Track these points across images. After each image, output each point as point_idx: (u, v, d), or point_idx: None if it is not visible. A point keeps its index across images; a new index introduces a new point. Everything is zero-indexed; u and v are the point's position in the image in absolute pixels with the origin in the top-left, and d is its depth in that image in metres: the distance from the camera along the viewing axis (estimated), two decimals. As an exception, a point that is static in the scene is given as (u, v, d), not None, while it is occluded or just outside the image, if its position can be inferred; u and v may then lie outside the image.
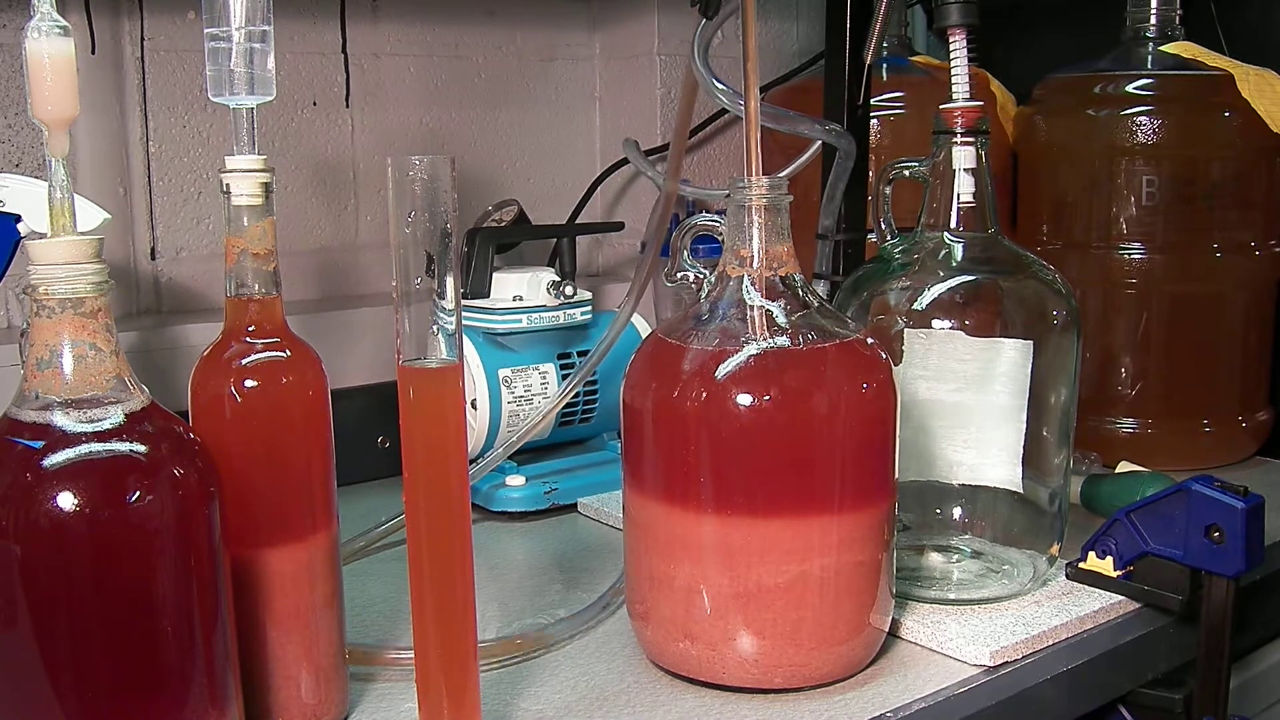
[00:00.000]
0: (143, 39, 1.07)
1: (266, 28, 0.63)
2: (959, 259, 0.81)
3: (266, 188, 0.63)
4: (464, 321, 0.61)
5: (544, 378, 1.05)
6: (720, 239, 0.75)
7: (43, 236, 0.54)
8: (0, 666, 0.52)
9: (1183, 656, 0.81)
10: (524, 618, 0.82)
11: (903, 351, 0.80)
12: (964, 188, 0.81)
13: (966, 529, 0.85)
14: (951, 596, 0.81)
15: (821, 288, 0.97)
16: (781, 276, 0.71)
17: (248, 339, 0.63)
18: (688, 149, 1.31)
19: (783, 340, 0.69)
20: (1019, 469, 0.80)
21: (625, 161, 1.29)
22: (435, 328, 0.59)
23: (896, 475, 0.73)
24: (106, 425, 0.53)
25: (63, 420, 0.52)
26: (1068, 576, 0.84)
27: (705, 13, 0.81)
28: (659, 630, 0.72)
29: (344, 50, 1.19)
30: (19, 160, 1.02)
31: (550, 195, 1.34)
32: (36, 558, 0.51)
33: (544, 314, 1.04)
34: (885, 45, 1.16)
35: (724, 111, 1.34)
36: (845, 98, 0.97)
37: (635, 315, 1.11)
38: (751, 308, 0.70)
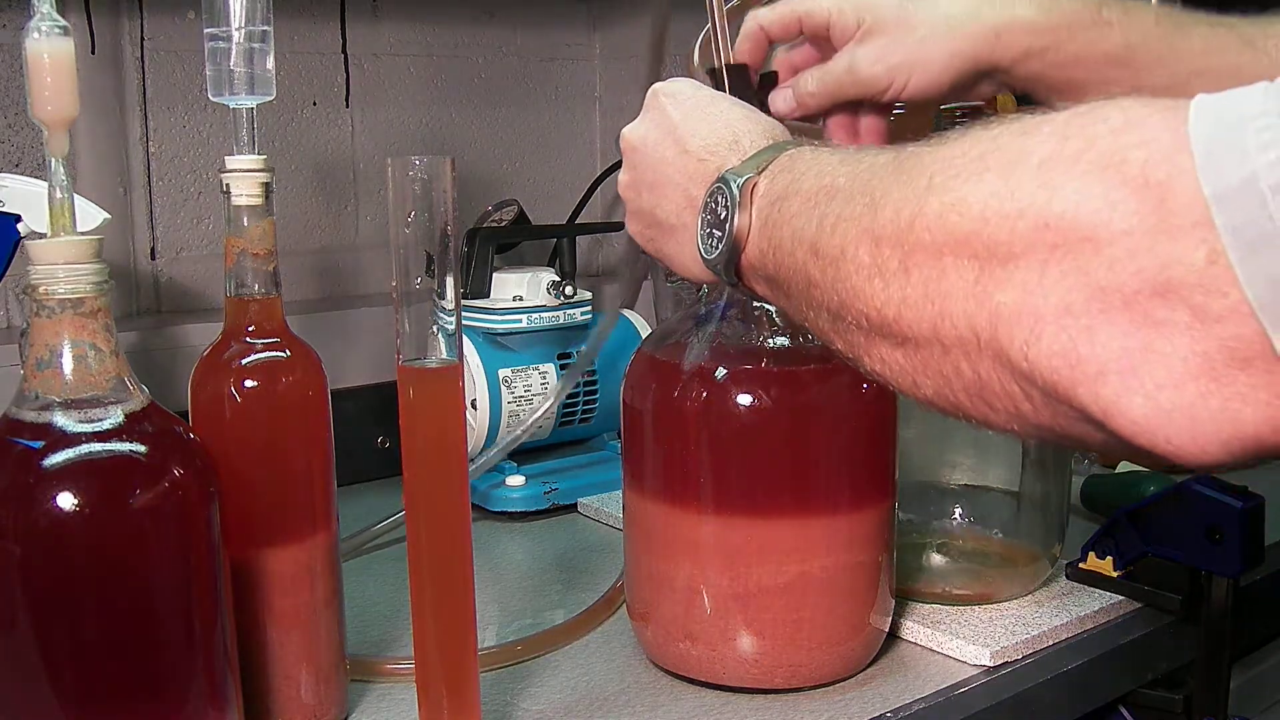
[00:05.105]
0: (143, 39, 1.07)
1: (266, 28, 0.63)
2: (959, 259, 0.81)
3: (266, 188, 0.63)
4: (464, 321, 0.61)
5: (544, 378, 1.05)
6: (720, 239, 0.74)
7: (43, 236, 0.54)
8: (0, 666, 0.52)
9: (1183, 656, 0.81)
10: (524, 618, 0.81)
11: (903, 351, 0.80)
12: (964, 187, 0.81)
13: (966, 529, 0.85)
14: (952, 596, 0.81)
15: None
16: (781, 276, 0.71)
17: (248, 339, 0.63)
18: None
19: (782, 340, 0.69)
20: (1019, 469, 0.80)
21: (625, 161, 1.29)
22: (435, 328, 0.59)
23: (896, 475, 0.73)
24: (106, 425, 0.53)
25: (63, 420, 0.52)
26: (1068, 576, 0.84)
27: None
28: (659, 630, 0.72)
29: (344, 50, 1.19)
30: (19, 160, 1.02)
31: (550, 195, 1.34)
32: (36, 558, 0.51)
33: (544, 314, 1.04)
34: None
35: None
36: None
37: (635, 315, 1.11)
38: (751, 308, 0.70)
